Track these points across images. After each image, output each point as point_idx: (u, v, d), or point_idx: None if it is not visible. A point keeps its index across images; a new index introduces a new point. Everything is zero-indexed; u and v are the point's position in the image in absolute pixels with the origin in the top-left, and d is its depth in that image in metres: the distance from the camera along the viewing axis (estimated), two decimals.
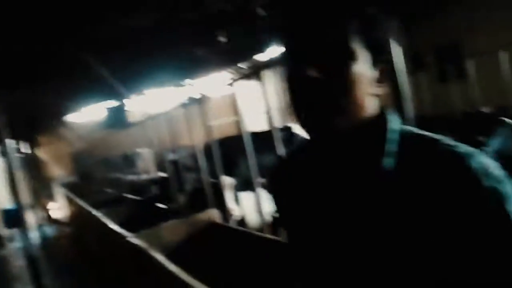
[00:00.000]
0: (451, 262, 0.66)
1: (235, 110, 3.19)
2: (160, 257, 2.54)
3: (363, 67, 0.72)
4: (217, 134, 4.00)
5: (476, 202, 0.65)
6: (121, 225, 3.84)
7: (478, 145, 4.82)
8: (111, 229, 3.71)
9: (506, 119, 5.17)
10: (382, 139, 0.74)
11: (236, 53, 9.94)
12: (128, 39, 6.09)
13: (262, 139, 5.82)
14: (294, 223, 0.89)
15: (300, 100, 0.74)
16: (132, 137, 6.33)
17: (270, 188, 0.97)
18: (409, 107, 1.98)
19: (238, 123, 3.20)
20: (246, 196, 4.38)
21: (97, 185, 9.51)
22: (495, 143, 4.76)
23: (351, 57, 0.71)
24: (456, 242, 0.66)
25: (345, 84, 0.71)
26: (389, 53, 0.80)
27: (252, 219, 4.11)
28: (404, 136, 0.75)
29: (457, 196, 0.66)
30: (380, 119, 0.77)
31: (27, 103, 8.52)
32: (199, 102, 3.87)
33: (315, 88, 0.71)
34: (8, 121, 5.34)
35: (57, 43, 5.34)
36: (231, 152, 6.44)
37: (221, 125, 11.94)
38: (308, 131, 0.77)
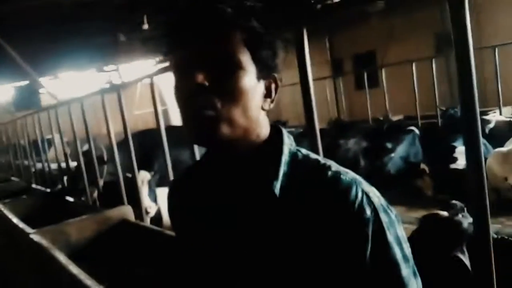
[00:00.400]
0: None
1: (152, 100, 3.09)
2: (62, 257, 2.41)
3: (250, 79, 0.72)
4: (140, 125, 3.86)
5: (357, 232, 0.68)
6: (26, 219, 3.58)
7: (385, 150, 5.18)
8: (14, 224, 3.45)
9: (413, 128, 5.61)
10: (275, 160, 0.74)
11: (160, 41, 9.66)
12: (42, 18, 5.68)
13: (182, 134, 5.76)
14: (185, 236, 0.90)
15: (188, 108, 0.72)
16: (43, 122, 5.90)
17: (168, 202, 0.96)
18: (314, 116, 2.04)
19: (165, 114, 3.10)
20: (164, 192, 4.29)
21: (2, 172, 8.77)
22: (401, 149, 5.15)
23: (237, 66, 0.71)
24: (333, 270, 0.69)
25: (231, 92, 0.71)
26: (275, 68, 0.79)
27: (168, 217, 4.04)
28: (295, 158, 0.76)
29: (339, 225, 0.68)
30: (274, 137, 0.78)
31: None
32: (118, 89, 3.69)
33: (202, 95, 0.70)
34: None
35: None
36: (150, 145, 6.28)
37: (143, 116, 11.63)
38: (195, 142, 0.76)
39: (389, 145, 5.18)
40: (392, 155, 5.06)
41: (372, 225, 0.68)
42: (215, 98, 0.70)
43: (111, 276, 3.20)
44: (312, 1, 9.89)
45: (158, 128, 3.11)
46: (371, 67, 8.57)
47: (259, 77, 0.74)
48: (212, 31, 0.71)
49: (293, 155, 0.77)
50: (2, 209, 4.18)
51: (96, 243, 3.24)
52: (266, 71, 0.75)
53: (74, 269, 2.12)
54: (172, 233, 2.92)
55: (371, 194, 0.70)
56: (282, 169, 0.74)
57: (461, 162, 4.61)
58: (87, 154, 4.66)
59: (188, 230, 0.88)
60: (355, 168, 0.77)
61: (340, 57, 10.43)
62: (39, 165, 7.03)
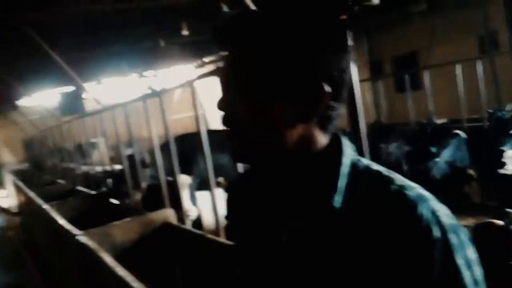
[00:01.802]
0: None
1: (193, 105, 3.12)
2: (108, 259, 2.47)
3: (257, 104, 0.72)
4: (178, 129, 3.91)
5: (423, 254, 0.63)
6: (72, 220, 3.70)
7: (430, 155, 5.01)
8: (60, 225, 3.57)
9: (458, 131, 5.41)
10: (333, 172, 0.71)
11: (200, 47, 9.84)
12: (86, 25, 5.89)
13: (222, 138, 5.79)
14: (238, 240, 0.88)
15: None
16: (87, 126, 6.13)
17: (226, 201, 0.95)
18: (362, 120, 2.00)
19: (202, 118, 3.13)
20: (203, 196, 4.33)
21: (49, 174, 9.14)
22: (447, 154, 4.97)
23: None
24: None
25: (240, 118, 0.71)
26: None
27: (208, 220, 4.07)
28: (356, 170, 0.72)
29: (403, 245, 0.63)
30: (333, 147, 0.73)
31: None
32: (159, 94, 3.77)
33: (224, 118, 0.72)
34: None
35: (10, 24, 5.07)
36: (190, 149, 6.37)
37: (182, 120, 11.83)
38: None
39: (433, 149, 5.00)
40: (437, 159, 4.89)
41: (440, 247, 0.62)
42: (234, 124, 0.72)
43: (154, 277, 3.25)
44: (350, 3, 9.76)
45: (197, 133, 3.14)
46: (413, 69, 8.33)
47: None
48: (233, 56, 0.71)
49: (354, 166, 0.72)
50: (50, 210, 4.35)
51: (139, 245, 3.30)
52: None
53: (121, 271, 2.16)
54: (212, 237, 2.94)
55: (439, 213, 0.65)
56: (341, 181, 0.70)
57: (510, 167, 4.40)
58: (130, 158, 4.78)
59: (241, 237, 0.86)
60: (397, 173, 0.72)
61: (379, 59, 10.22)
62: (83, 168, 7.28)
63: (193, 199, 4.32)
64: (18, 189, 7.76)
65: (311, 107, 0.69)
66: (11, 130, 14.17)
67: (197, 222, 4.16)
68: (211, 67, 11.96)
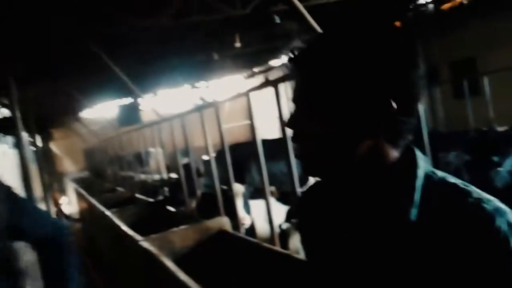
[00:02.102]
0: None
1: (248, 115, 3.18)
2: (170, 264, 2.57)
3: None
4: (228, 139, 4.00)
5: (500, 266, 0.63)
6: (132, 227, 3.87)
7: (492, 164, 4.78)
8: (123, 231, 3.75)
9: None
10: (409, 185, 0.71)
11: (250, 58, 10.02)
12: (144, 39, 6.18)
13: (274, 147, 5.84)
14: (313, 251, 0.90)
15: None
16: (144, 136, 6.41)
17: (297, 213, 0.98)
18: (424, 126, 1.97)
19: (250, 129, 3.19)
20: (256, 205, 4.39)
21: (108, 182, 9.58)
22: (509, 163, 4.72)
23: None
24: None
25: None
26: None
27: (262, 229, 4.12)
28: (430, 182, 0.72)
29: (480, 258, 0.64)
30: (406, 159, 0.74)
31: (42, 97, 8.66)
32: (213, 105, 3.90)
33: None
34: (22, 114, 5.43)
35: (74, 39, 5.43)
36: (243, 158, 6.47)
37: (231, 130, 11.96)
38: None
39: (495, 158, 4.76)
40: (499, 169, 4.65)
41: None
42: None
43: (210, 284, 3.33)
44: (403, 9, 9.58)
45: (249, 142, 3.19)
46: (472, 74, 7.99)
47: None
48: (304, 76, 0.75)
49: (428, 178, 0.73)
50: (112, 217, 4.58)
51: (196, 252, 3.40)
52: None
53: (182, 275, 2.25)
54: (268, 245, 2.98)
55: None
56: (417, 194, 0.71)
57: None
58: (186, 166, 4.94)
59: (314, 245, 0.89)
60: None
61: (435, 64, 9.88)
62: (141, 176, 7.58)
63: (246, 207, 4.38)
64: (80, 196, 8.19)
65: (378, 123, 0.71)
66: (73, 140, 15.05)
67: (250, 230, 4.21)
68: (261, 77, 12.11)
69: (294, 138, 0.78)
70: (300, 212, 0.95)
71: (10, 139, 15.20)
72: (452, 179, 0.73)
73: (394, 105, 0.69)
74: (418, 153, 0.76)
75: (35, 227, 1.38)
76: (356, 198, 0.77)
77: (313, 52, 0.74)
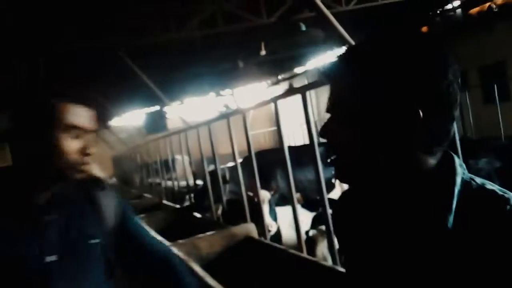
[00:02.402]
0: None
1: (274, 123, 3.21)
2: (198, 269, 2.61)
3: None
4: (254, 146, 4.03)
5: None
6: (159, 232, 3.94)
7: None
8: (151, 237, 3.81)
9: None
10: (447, 192, 0.71)
11: (275, 65, 10.07)
12: (171, 49, 6.32)
13: (299, 154, 5.84)
14: (351, 256, 0.90)
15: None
16: (171, 144, 6.53)
17: (333, 219, 0.99)
18: (456, 133, 1.95)
19: (275, 135, 3.21)
20: (282, 211, 4.40)
21: (136, 189, 9.76)
22: None
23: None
24: None
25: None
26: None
27: (288, 235, 4.12)
28: (469, 189, 0.72)
29: None
30: (445, 166, 0.74)
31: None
32: (239, 111, 3.93)
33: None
34: None
35: (104, 49, 5.60)
36: (268, 165, 6.49)
37: (257, 136, 11.97)
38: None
39: None
40: None
41: None
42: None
43: None
44: (430, 14, 9.46)
45: (275, 149, 3.21)
46: (502, 79, 7.79)
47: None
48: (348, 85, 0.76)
49: (466, 184, 0.73)
50: (140, 223, 4.66)
51: (223, 257, 3.43)
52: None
53: (211, 281, 2.28)
54: (295, 252, 2.98)
55: None
56: (455, 200, 0.71)
57: None
58: (212, 173, 4.99)
59: (350, 249, 0.90)
60: None
61: (464, 69, 9.68)
62: (168, 183, 7.69)
63: (272, 214, 4.39)
64: None
65: (406, 132, 0.71)
66: (101, 148, 15.38)
67: (276, 237, 4.22)
68: (285, 84, 12.14)
69: (329, 148, 0.79)
70: (337, 219, 0.97)
71: None
72: (490, 186, 0.72)
73: (421, 113, 0.70)
74: (457, 160, 0.76)
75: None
76: (392, 205, 0.78)
77: (349, 62, 0.77)
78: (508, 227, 0.65)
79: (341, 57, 0.78)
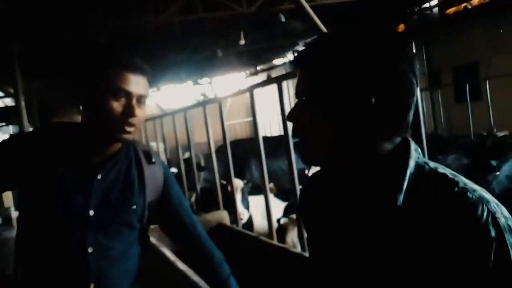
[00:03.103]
0: None
1: (252, 112, 3.23)
2: (169, 254, 2.63)
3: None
4: (230, 135, 4.04)
5: (479, 252, 0.67)
6: None
7: (490, 168, 4.82)
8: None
9: None
10: (400, 173, 0.76)
11: (254, 55, 10.06)
12: (149, 34, 6.23)
13: (274, 144, 5.89)
14: (312, 237, 0.96)
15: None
16: (146, 130, 6.46)
17: (299, 202, 1.03)
18: (423, 128, 2.02)
19: (251, 126, 3.24)
20: (255, 200, 4.45)
21: None
22: (507, 168, 4.75)
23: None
24: (449, 285, 0.70)
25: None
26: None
27: (259, 224, 4.17)
28: (421, 171, 0.77)
29: (460, 243, 0.68)
30: (401, 150, 0.79)
31: (45, 88, 8.71)
32: (216, 100, 3.93)
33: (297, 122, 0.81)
34: (26, 105, 5.46)
35: (81, 32, 5.48)
36: (243, 155, 6.52)
37: (233, 126, 11.99)
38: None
39: (493, 163, 4.80)
40: (497, 173, 4.68)
41: (496, 246, 0.67)
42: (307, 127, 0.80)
43: None
44: (408, 11, 9.61)
45: (250, 139, 3.23)
46: (474, 79, 8.03)
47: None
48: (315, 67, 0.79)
49: (419, 167, 0.78)
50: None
51: None
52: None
53: (181, 265, 2.30)
54: (266, 239, 3.03)
55: (497, 215, 0.69)
56: (407, 181, 0.75)
57: None
58: (187, 161, 4.99)
59: (312, 229, 0.95)
60: None
61: (437, 68, 9.91)
62: None
63: (245, 202, 4.44)
64: None
65: (362, 118, 0.76)
66: None
67: (248, 225, 4.27)
68: (263, 75, 12.16)
69: (294, 130, 0.83)
70: (302, 200, 1.01)
71: (11, 128, 15.25)
72: (442, 170, 0.77)
73: (373, 100, 0.75)
74: (413, 145, 0.80)
75: None
76: (350, 186, 0.83)
77: (313, 51, 0.81)
78: (454, 207, 0.70)
79: (308, 44, 0.82)
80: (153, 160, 1.39)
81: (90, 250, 1.24)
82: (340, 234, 0.83)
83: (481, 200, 0.70)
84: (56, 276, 1.25)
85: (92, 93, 1.23)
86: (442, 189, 0.73)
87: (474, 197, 0.70)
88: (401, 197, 0.75)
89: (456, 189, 0.72)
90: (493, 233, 0.67)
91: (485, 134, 6.08)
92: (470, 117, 7.15)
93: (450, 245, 0.69)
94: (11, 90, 7.90)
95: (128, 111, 1.21)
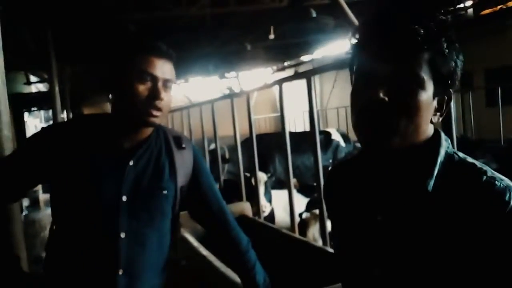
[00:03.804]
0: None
1: (276, 109, 3.26)
2: (192, 239, 2.69)
3: (428, 98, 0.77)
4: (256, 129, 4.07)
5: (506, 235, 0.72)
6: None
7: None
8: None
9: None
10: (431, 161, 0.80)
11: (283, 50, 10.04)
12: (180, 26, 6.30)
13: (298, 140, 5.90)
14: (340, 227, 0.98)
15: (364, 118, 0.79)
16: (173, 121, 6.58)
17: (323, 192, 1.06)
18: (454, 129, 2.00)
19: (275, 122, 3.26)
20: (278, 195, 4.48)
21: None
22: None
23: (420, 86, 0.76)
24: (476, 268, 0.73)
25: (409, 110, 0.76)
26: (453, 85, 0.83)
27: (281, 218, 4.20)
28: (451, 160, 0.81)
29: (488, 228, 0.72)
30: (433, 140, 0.83)
31: (77, 75, 8.93)
32: (243, 93, 3.96)
33: (381, 110, 0.76)
34: (59, 91, 5.60)
35: (113, 22, 5.60)
36: (267, 149, 6.56)
37: (258, 121, 12.00)
38: (365, 147, 0.85)
39: None
40: None
41: None
42: (392, 115, 0.77)
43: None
44: (442, 11, 9.37)
45: (275, 133, 3.25)
46: (507, 83, 7.80)
47: (435, 95, 0.80)
48: (403, 51, 0.76)
49: (450, 157, 0.82)
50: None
51: None
52: (443, 89, 0.81)
53: (205, 252, 2.36)
54: (287, 232, 3.06)
55: None
56: (437, 168, 0.80)
57: None
58: (212, 152, 5.06)
59: (340, 215, 0.98)
60: None
61: (470, 70, 9.68)
62: None
63: (267, 195, 4.47)
64: None
65: (447, 104, 0.83)
66: None
67: (270, 218, 4.31)
68: (291, 71, 12.12)
69: (364, 108, 0.79)
70: (328, 190, 1.04)
71: (42, 114, 15.65)
72: (471, 160, 0.81)
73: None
74: (443, 135, 0.84)
75: None
76: (384, 173, 0.86)
77: (439, 31, 0.82)
78: (483, 194, 0.74)
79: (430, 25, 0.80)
80: (183, 145, 1.40)
81: (122, 235, 1.26)
82: (372, 220, 0.86)
83: (509, 188, 0.74)
84: (86, 260, 1.26)
85: (120, 78, 1.25)
86: (471, 177, 0.77)
87: (502, 185, 0.75)
88: (431, 183, 0.79)
89: (485, 177, 0.76)
90: None
91: None
92: (501, 121, 6.98)
93: (479, 229, 0.73)
94: (45, 76, 8.15)
95: (154, 94, 1.23)
